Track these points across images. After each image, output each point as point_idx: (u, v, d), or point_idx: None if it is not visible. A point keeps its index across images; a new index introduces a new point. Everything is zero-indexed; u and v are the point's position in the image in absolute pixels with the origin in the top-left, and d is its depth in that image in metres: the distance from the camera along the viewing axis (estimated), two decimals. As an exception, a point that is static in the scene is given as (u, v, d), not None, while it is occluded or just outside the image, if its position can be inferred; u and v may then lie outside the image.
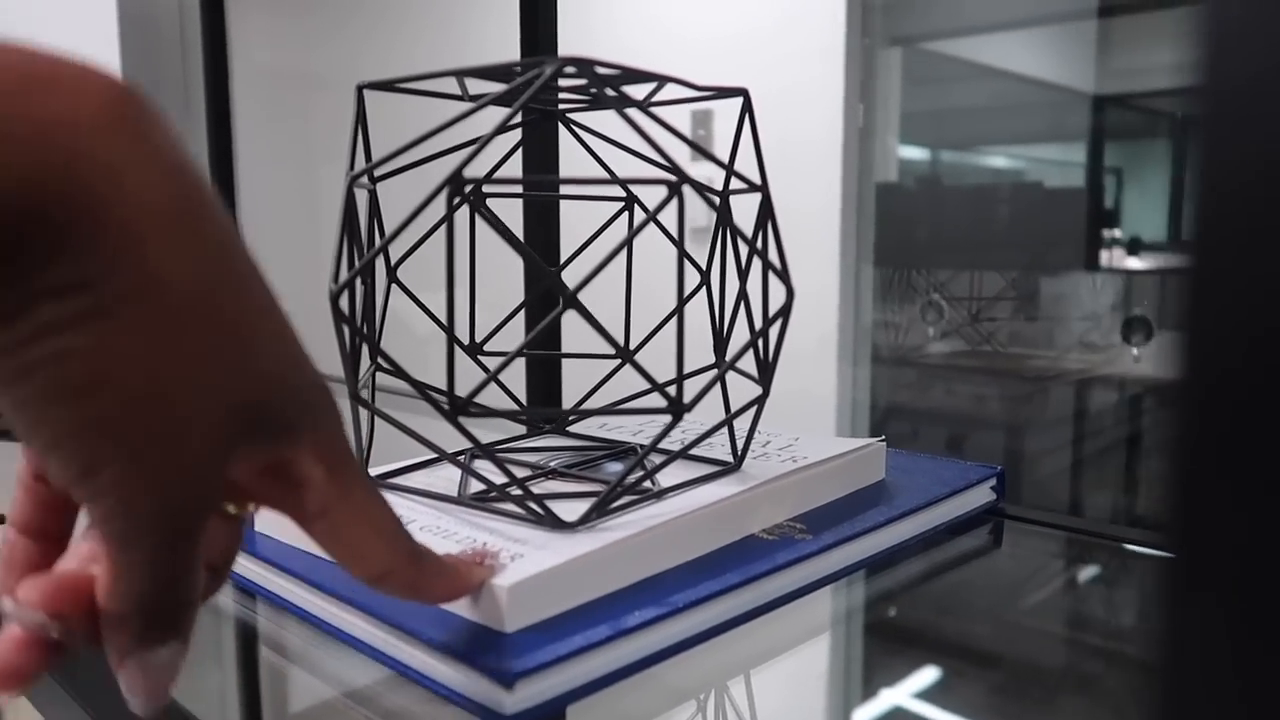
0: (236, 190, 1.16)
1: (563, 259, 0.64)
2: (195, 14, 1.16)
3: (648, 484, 0.43)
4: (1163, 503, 0.17)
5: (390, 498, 0.43)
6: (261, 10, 2.31)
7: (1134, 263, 2.55)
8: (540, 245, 0.70)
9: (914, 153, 2.51)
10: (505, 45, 0.77)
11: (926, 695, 0.37)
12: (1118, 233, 2.64)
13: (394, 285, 0.50)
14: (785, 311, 0.42)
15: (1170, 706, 0.17)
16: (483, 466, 0.48)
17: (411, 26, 2.31)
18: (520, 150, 0.59)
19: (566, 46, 0.77)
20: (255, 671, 0.41)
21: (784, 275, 0.41)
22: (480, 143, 0.35)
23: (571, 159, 0.65)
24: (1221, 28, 0.15)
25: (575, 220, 0.71)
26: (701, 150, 0.39)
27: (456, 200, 0.35)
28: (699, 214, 1.63)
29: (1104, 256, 2.44)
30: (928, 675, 0.39)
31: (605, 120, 0.52)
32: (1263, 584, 0.16)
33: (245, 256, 0.22)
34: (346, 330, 0.37)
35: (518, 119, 0.52)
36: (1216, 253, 0.16)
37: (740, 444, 0.46)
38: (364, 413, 0.43)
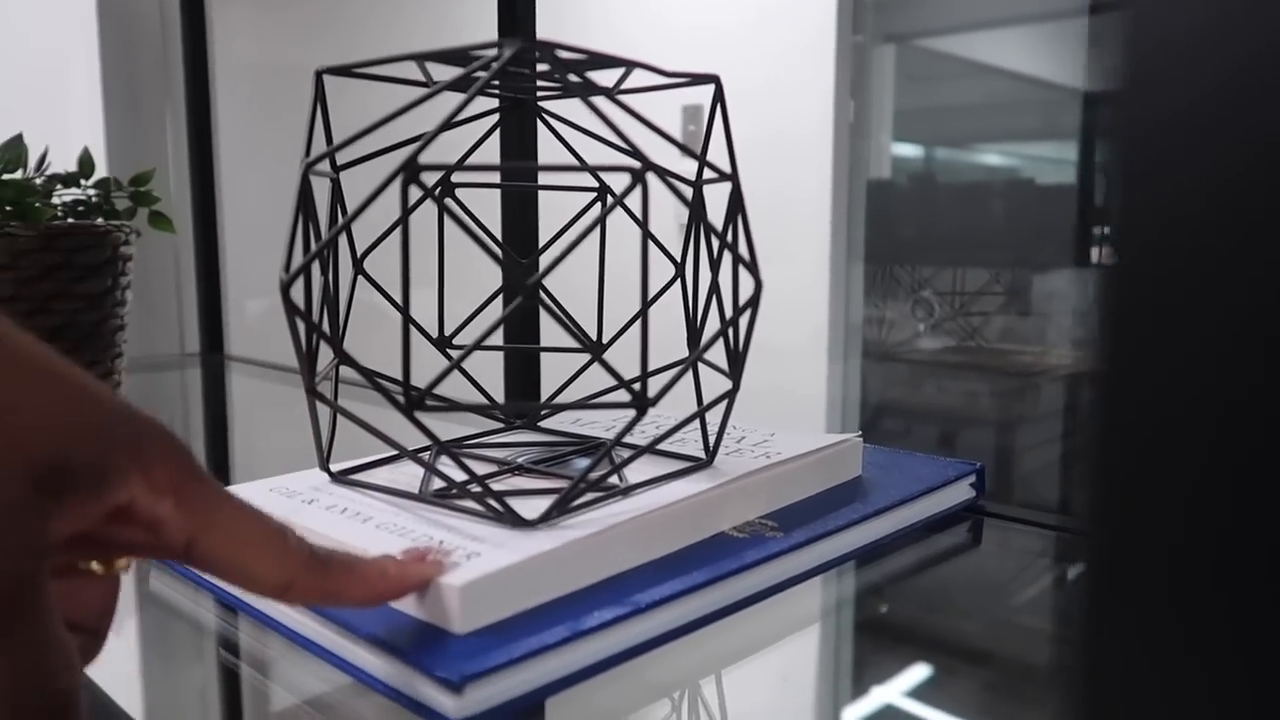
0: (217, 184, 1.15)
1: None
2: (175, 7, 1.15)
3: (614, 480, 0.42)
4: (1083, 497, 0.17)
5: (349, 494, 0.42)
6: (242, 3, 2.29)
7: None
8: (518, 235, 0.69)
9: (907, 150, 2.50)
10: (490, 34, 0.76)
11: (902, 691, 0.36)
12: (1108, 229, 2.63)
13: (360, 277, 0.49)
14: (754, 303, 0.41)
15: (1088, 695, 0.17)
16: (449, 463, 0.47)
17: (397, 18, 2.30)
18: (498, 138, 0.58)
19: (548, 34, 0.76)
20: (228, 679, 0.40)
21: (752, 267, 0.40)
22: (433, 132, 0.34)
23: (551, 147, 0.63)
24: (1141, 35, 0.16)
25: (555, 210, 0.70)
26: (666, 136, 0.37)
27: (415, 190, 0.34)
28: (682, 208, 1.61)
29: (1094, 253, 2.43)
30: (902, 672, 0.38)
31: (580, 109, 0.51)
32: (1178, 577, 0.16)
33: None
34: (300, 322, 0.36)
35: (481, 106, 0.51)
36: (1137, 253, 0.17)
37: (712, 439, 0.45)
38: (324, 408, 0.42)
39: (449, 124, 0.35)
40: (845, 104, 1.89)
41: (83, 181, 0.78)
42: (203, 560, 0.24)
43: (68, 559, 0.24)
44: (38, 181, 0.74)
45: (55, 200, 0.76)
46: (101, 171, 0.79)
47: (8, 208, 0.71)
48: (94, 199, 0.78)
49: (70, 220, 0.75)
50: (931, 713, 0.35)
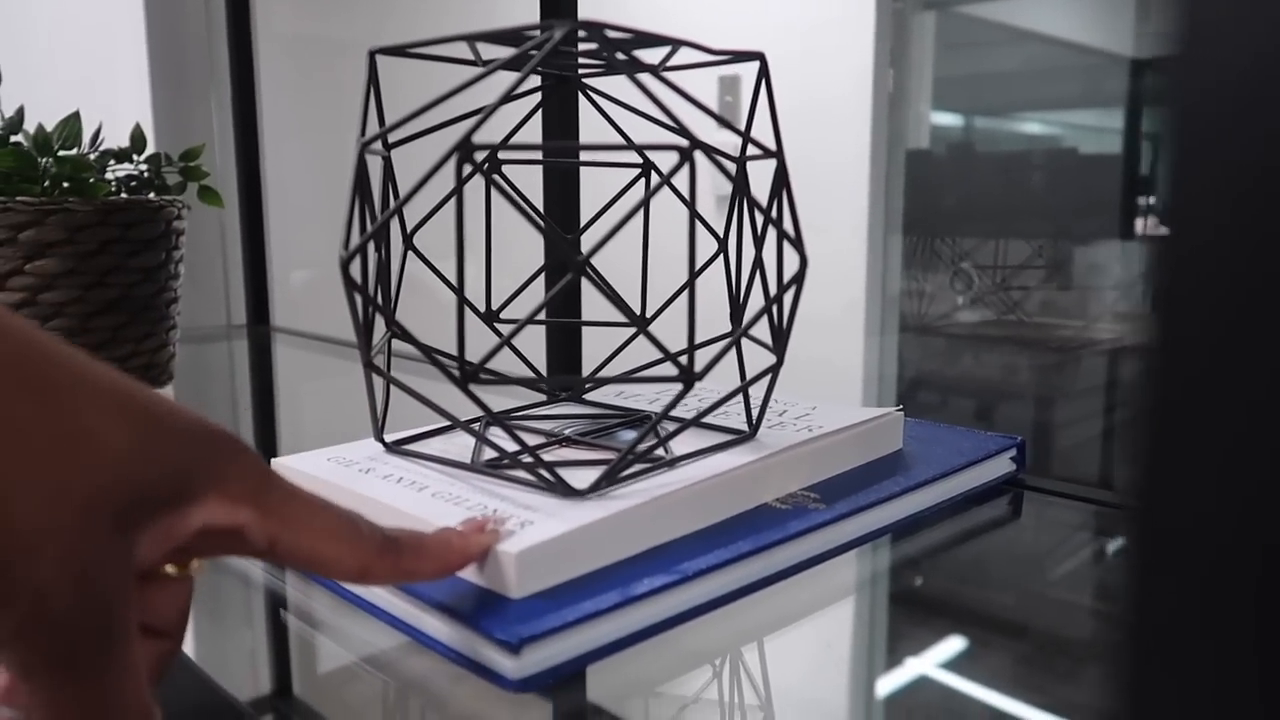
0: (261, 157, 1.16)
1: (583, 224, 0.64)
2: (219, -19, 1.16)
3: (660, 452, 0.43)
4: (1129, 470, 0.17)
5: (404, 463, 0.43)
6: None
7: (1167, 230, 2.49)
8: (560, 211, 0.69)
9: (947, 118, 2.46)
10: (528, 8, 0.76)
11: (940, 662, 0.37)
12: (1154, 200, 2.58)
13: (410, 252, 0.50)
14: (799, 279, 0.41)
15: (1134, 669, 0.17)
16: (497, 434, 0.48)
17: (437, -8, 2.30)
18: (540, 116, 0.59)
19: (588, 9, 0.76)
20: (284, 638, 0.41)
21: (798, 243, 0.40)
22: (488, 110, 0.35)
23: (591, 124, 0.64)
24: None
25: (596, 186, 0.71)
26: (715, 116, 0.38)
27: (467, 168, 0.35)
28: (722, 180, 1.61)
29: (1139, 224, 2.39)
30: (941, 642, 0.39)
31: (623, 85, 0.51)
32: (1224, 552, 0.16)
33: (53, 358, 0.21)
34: (358, 298, 0.37)
35: (530, 84, 0.52)
36: (1191, 224, 0.16)
37: (755, 412, 0.46)
38: (378, 380, 0.43)
39: (501, 103, 0.35)
40: (884, 72, 1.87)
41: (135, 157, 0.80)
42: (285, 556, 0.26)
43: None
44: (91, 157, 0.76)
45: (108, 176, 0.78)
46: (150, 147, 0.81)
47: (64, 184, 0.73)
48: (145, 174, 0.80)
49: (124, 195, 0.77)
50: (970, 685, 0.36)
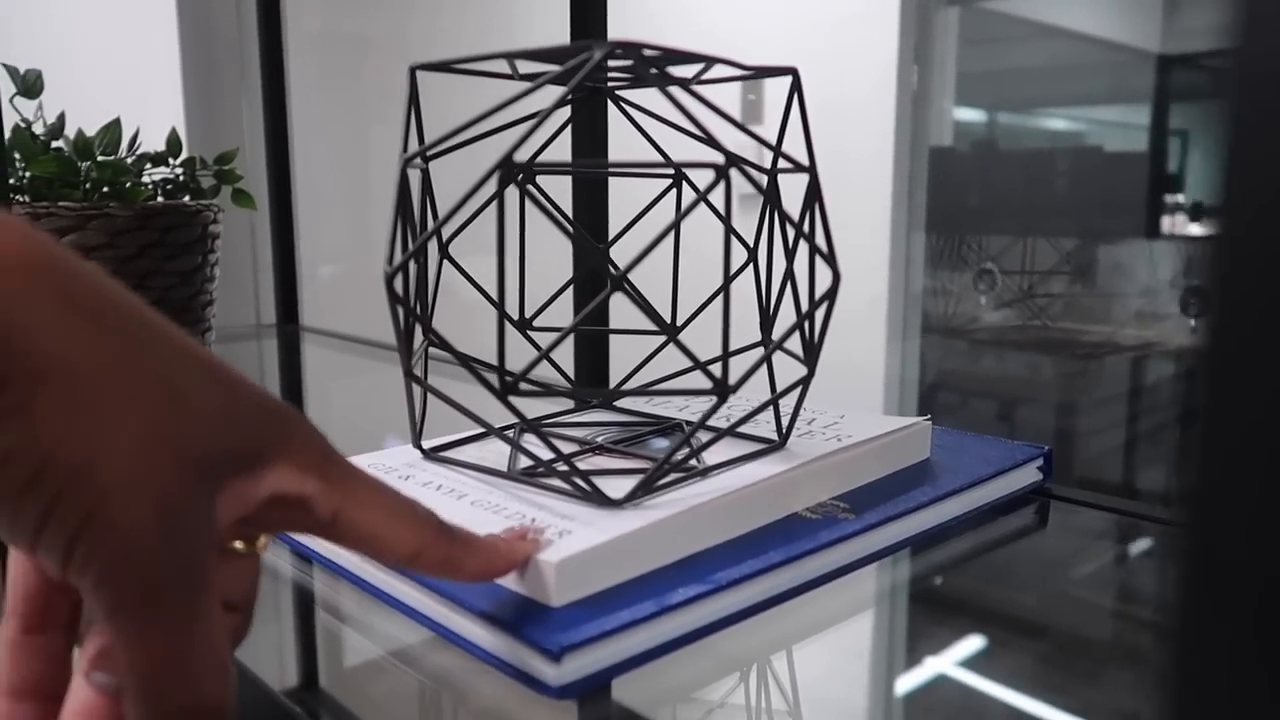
0: (291, 160, 1.18)
1: (611, 234, 0.65)
2: (250, -16, 1.18)
3: (693, 462, 0.43)
4: (1181, 475, 0.16)
5: (442, 470, 0.44)
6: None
7: (1197, 229, 2.47)
8: (589, 221, 0.70)
9: (970, 115, 2.45)
10: (555, 5, 0.77)
11: (969, 668, 0.37)
12: (1180, 198, 2.56)
13: (445, 261, 0.51)
14: (831, 295, 0.42)
15: (1183, 679, 0.17)
16: (532, 441, 0.49)
17: (461, -10, 2.31)
18: (570, 127, 0.60)
19: (616, 8, 0.77)
20: (313, 633, 0.43)
21: (830, 259, 0.41)
22: (531, 127, 0.36)
23: (620, 134, 0.65)
24: None
25: (624, 195, 0.72)
26: (749, 132, 0.39)
27: (506, 182, 0.36)
28: (749, 186, 1.61)
29: (1165, 223, 2.37)
30: (970, 651, 0.39)
31: (654, 95, 0.52)
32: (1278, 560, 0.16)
33: (151, 320, 0.23)
34: (400, 310, 0.38)
35: (557, 95, 0.53)
36: (1246, 222, 0.15)
37: (785, 423, 0.47)
38: (416, 388, 0.44)
39: (541, 121, 0.36)
40: (908, 69, 1.87)
41: (170, 161, 0.82)
42: (346, 531, 0.26)
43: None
44: (129, 161, 0.78)
45: (145, 180, 0.79)
46: (183, 150, 0.83)
47: (104, 189, 0.75)
48: (181, 178, 0.82)
49: (161, 200, 0.79)
50: (996, 689, 0.36)
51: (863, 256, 1.83)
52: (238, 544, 0.26)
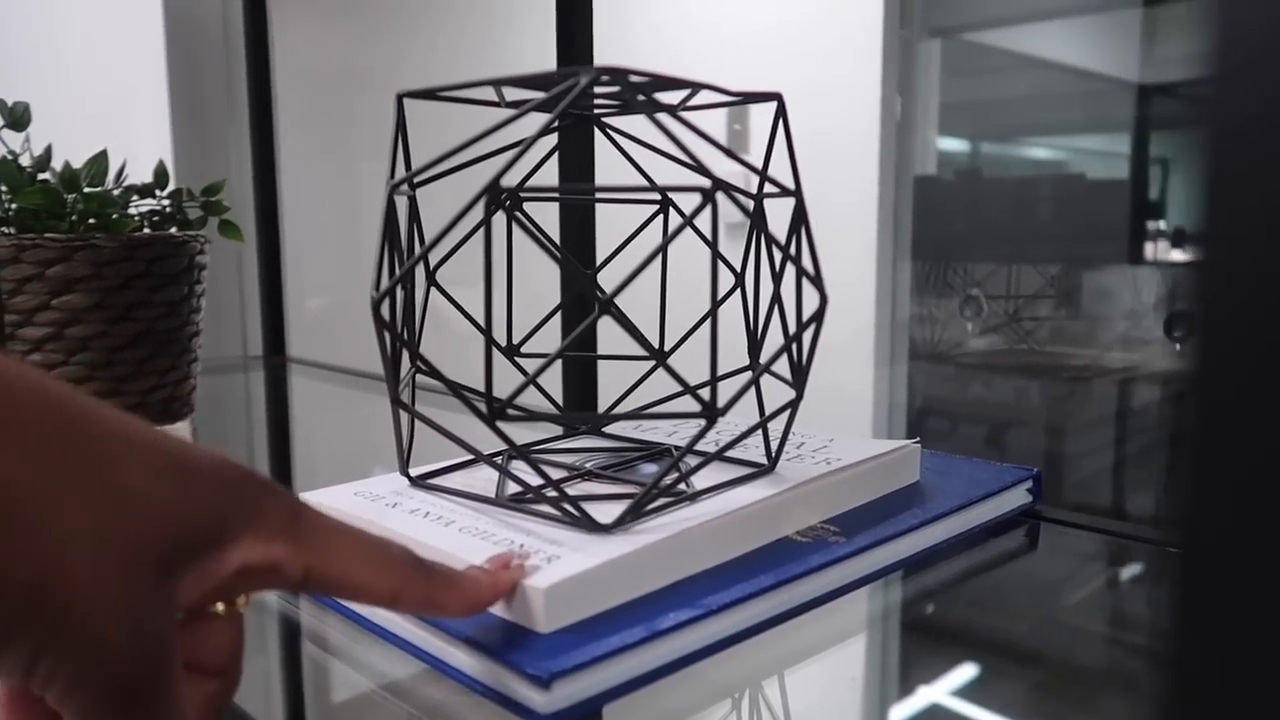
0: (279, 191, 1.18)
1: (598, 260, 0.65)
2: (239, 16, 1.19)
3: (682, 486, 0.43)
4: (1174, 497, 0.17)
5: (429, 498, 0.44)
6: (302, 12, 2.34)
7: (1179, 255, 2.50)
8: (576, 247, 0.70)
9: (953, 145, 2.48)
10: (542, 41, 0.78)
11: (961, 694, 0.37)
12: (1162, 224, 2.59)
13: (432, 288, 0.51)
14: (819, 317, 0.42)
15: (1181, 698, 0.17)
16: (519, 467, 0.49)
17: (450, 26, 2.33)
18: (556, 154, 0.60)
19: (601, 41, 0.77)
20: (299, 666, 0.42)
21: (817, 281, 0.41)
22: (517, 153, 0.36)
23: (607, 161, 0.65)
24: (1232, 19, 0.15)
25: (611, 220, 0.72)
26: (735, 157, 0.39)
27: (493, 207, 0.36)
28: (734, 210, 1.63)
29: (1148, 249, 2.39)
30: (962, 676, 0.39)
31: (640, 123, 0.52)
32: (1272, 580, 0.16)
33: (90, 416, 0.22)
34: (388, 336, 0.38)
35: (543, 122, 0.53)
36: (1228, 247, 0.16)
37: (774, 446, 0.47)
38: (404, 415, 0.44)
39: (528, 147, 0.36)
40: (892, 100, 1.89)
41: (157, 192, 0.82)
42: (319, 586, 0.26)
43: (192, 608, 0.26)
44: (115, 193, 0.78)
45: (132, 211, 0.79)
46: (170, 182, 0.82)
47: (90, 220, 0.75)
48: (168, 209, 0.82)
49: (148, 231, 0.79)
50: (988, 715, 0.36)
51: (850, 285, 1.84)
52: (218, 607, 0.26)
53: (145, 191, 0.80)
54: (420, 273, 0.50)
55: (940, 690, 0.38)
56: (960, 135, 2.48)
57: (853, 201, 1.87)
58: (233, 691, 0.27)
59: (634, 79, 0.39)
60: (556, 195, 0.64)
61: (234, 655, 0.27)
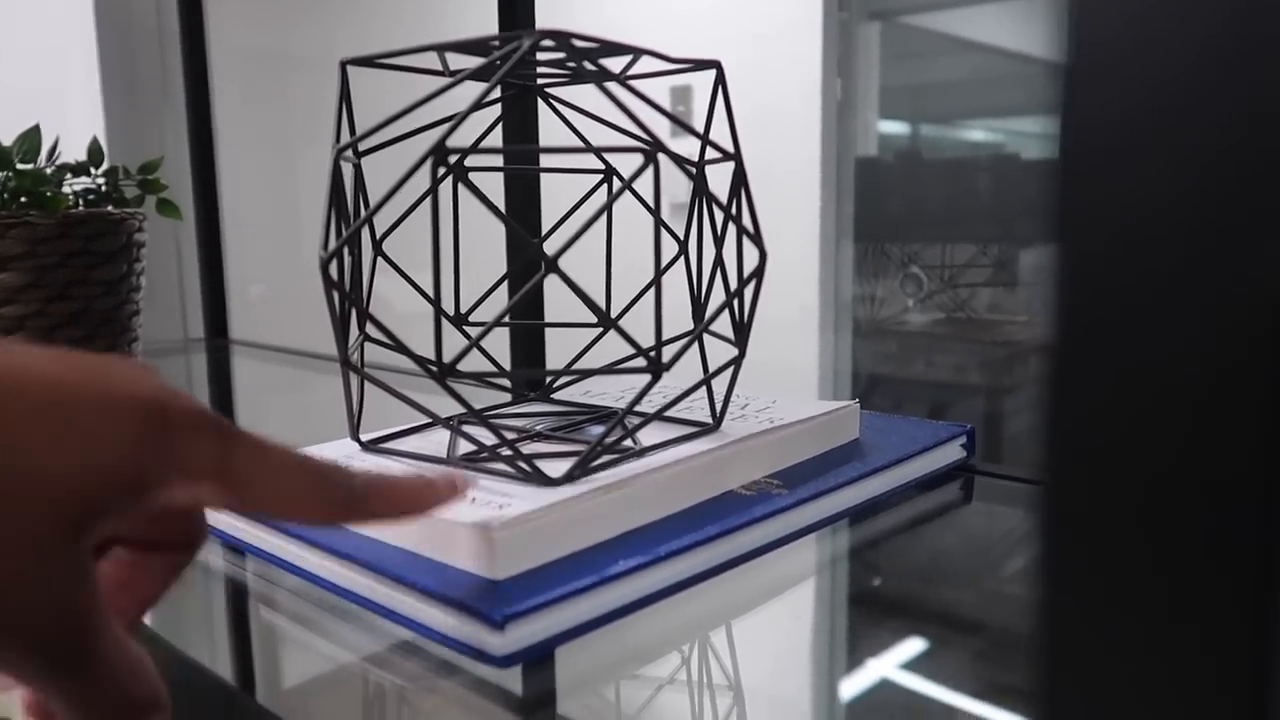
0: (217, 172, 1.16)
1: (544, 229, 0.65)
2: (171, -5, 1.16)
3: (628, 443, 0.44)
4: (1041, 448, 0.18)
5: (380, 460, 0.44)
6: (236, -10, 2.29)
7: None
8: (521, 219, 0.71)
9: (894, 127, 2.52)
10: (484, 18, 0.78)
11: (899, 646, 0.39)
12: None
13: (379, 259, 0.51)
14: (759, 273, 0.43)
15: (1048, 642, 0.19)
16: (471, 432, 0.49)
17: (389, 4, 2.30)
18: (500, 125, 0.61)
19: (543, 18, 0.78)
20: (246, 626, 0.42)
21: (757, 238, 0.43)
22: (461, 115, 0.36)
23: (550, 134, 0.66)
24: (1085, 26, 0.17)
25: (555, 194, 0.72)
26: (676, 120, 0.40)
27: (441, 171, 0.37)
28: (678, 190, 1.64)
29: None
30: (899, 624, 0.41)
31: (583, 95, 0.53)
32: (1125, 523, 0.17)
33: None
34: (336, 296, 0.38)
35: (497, 93, 0.54)
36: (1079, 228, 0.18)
37: (719, 405, 0.48)
38: (354, 379, 0.44)
39: (474, 109, 0.37)
40: (833, 82, 1.92)
41: (92, 170, 0.80)
42: (253, 513, 0.26)
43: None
44: (48, 171, 0.76)
45: (66, 189, 0.78)
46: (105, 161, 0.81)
47: (23, 198, 0.73)
48: (103, 188, 0.80)
49: (84, 209, 0.77)
50: (927, 662, 0.38)
51: (794, 265, 1.87)
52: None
53: (79, 170, 0.79)
54: (367, 240, 0.50)
55: (877, 636, 0.39)
56: (900, 117, 2.52)
57: (796, 182, 1.89)
58: (191, 560, 0.27)
59: (577, 43, 0.40)
60: (503, 158, 0.64)
61: (198, 529, 0.27)
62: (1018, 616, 0.43)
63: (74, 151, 0.81)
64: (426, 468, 0.43)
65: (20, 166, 0.73)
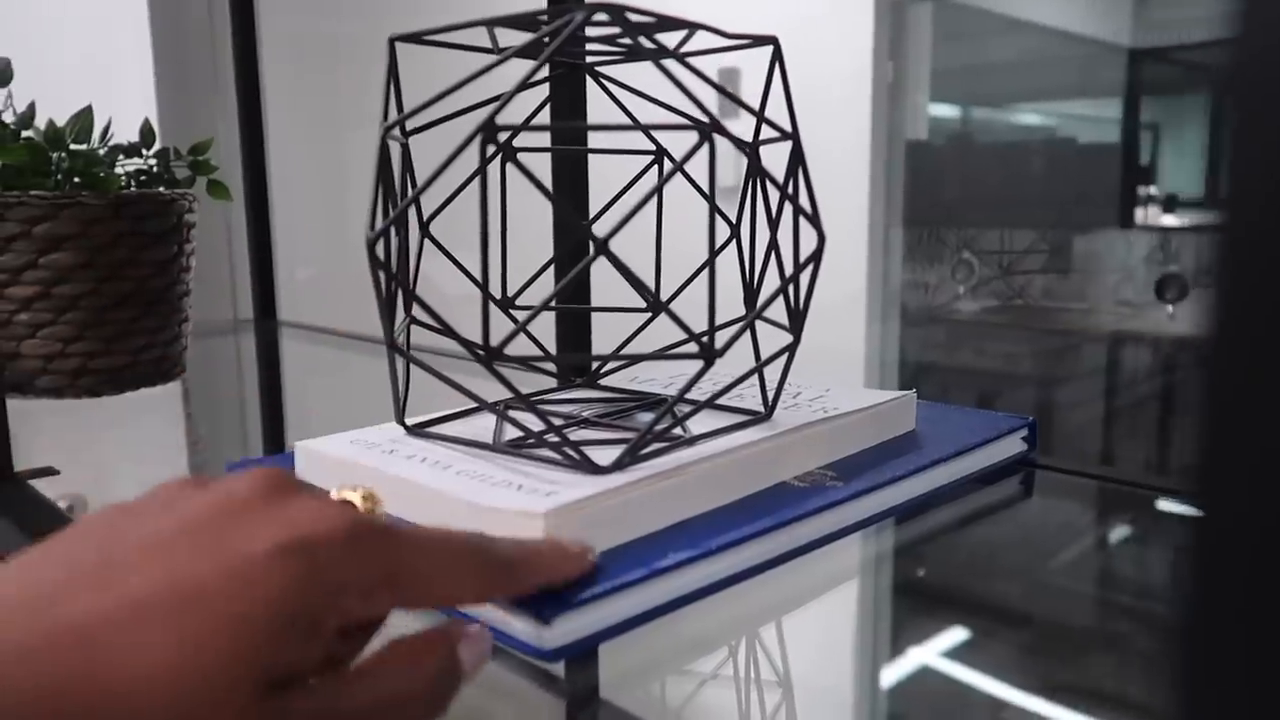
0: (266, 154, 1.17)
1: (592, 211, 0.64)
2: (222, -23, 1.17)
3: (679, 431, 0.43)
4: (1192, 461, 0.16)
5: (426, 444, 0.43)
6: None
7: (1170, 220, 2.50)
8: (569, 197, 0.70)
9: (945, 110, 2.47)
10: (531, 3, 0.77)
11: (952, 642, 0.37)
12: (1153, 189, 2.59)
13: (426, 241, 0.50)
14: (817, 257, 0.42)
15: (1194, 666, 0.17)
16: (516, 416, 0.48)
17: (436, -12, 2.30)
18: (549, 106, 0.59)
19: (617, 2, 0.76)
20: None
21: (815, 220, 0.41)
22: (511, 92, 0.35)
23: (599, 113, 0.64)
24: None
25: (604, 177, 0.71)
26: (733, 98, 0.38)
27: (490, 149, 0.36)
28: (727, 173, 1.62)
29: (1139, 214, 2.39)
30: (954, 622, 0.39)
31: (632, 74, 0.51)
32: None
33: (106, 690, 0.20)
34: (383, 277, 0.38)
35: (543, 72, 0.52)
36: (1250, 211, 0.15)
37: (771, 393, 0.47)
38: (400, 362, 0.44)
39: (522, 87, 0.36)
40: (884, 64, 1.88)
41: (144, 152, 0.81)
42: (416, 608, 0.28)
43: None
44: (101, 152, 0.77)
45: (118, 170, 0.78)
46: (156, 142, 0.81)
47: (76, 178, 0.74)
48: (154, 169, 0.81)
49: (135, 189, 0.78)
50: (976, 663, 0.36)
51: (843, 250, 1.84)
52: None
53: (131, 151, 0.79)
54: (414, 224, 0.49)
55: (929, 632, 0.38)
56: (951, 100, 2.46)
57: (845, 167, 1.86)
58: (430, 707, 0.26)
59: (631, 17, 0.39)
60: (551, 135, 0.63)
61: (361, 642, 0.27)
62: (1086, 617, 0.41)
63: (126, 133, 0.81)
64: (475, 454, 0.42)
65: (73, 147, 0.74)
